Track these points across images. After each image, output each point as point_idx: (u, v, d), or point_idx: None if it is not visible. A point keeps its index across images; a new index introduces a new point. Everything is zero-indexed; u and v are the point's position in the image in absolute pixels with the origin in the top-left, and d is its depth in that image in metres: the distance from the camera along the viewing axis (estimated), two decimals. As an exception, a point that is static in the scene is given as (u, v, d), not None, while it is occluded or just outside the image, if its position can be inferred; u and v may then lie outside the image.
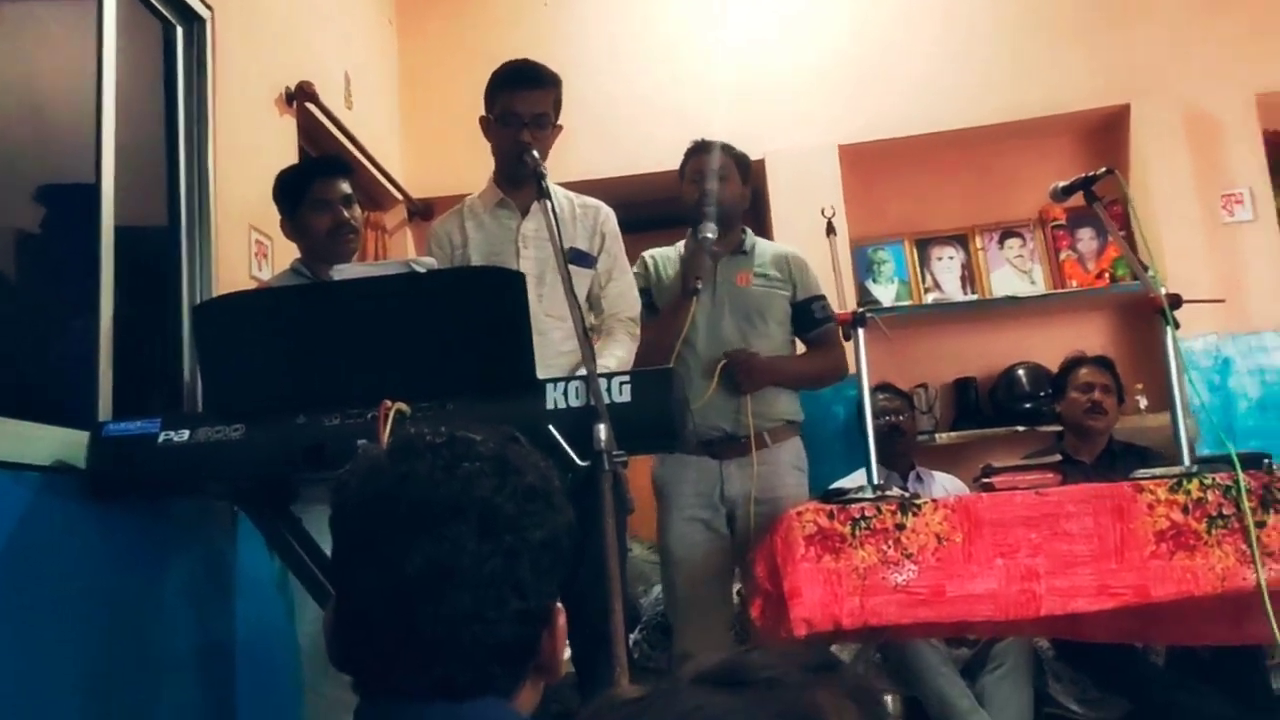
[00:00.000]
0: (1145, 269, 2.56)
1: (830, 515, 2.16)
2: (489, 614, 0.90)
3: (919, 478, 3.45)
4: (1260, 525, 2.06)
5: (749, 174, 2.89)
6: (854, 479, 2.96)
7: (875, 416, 2.75)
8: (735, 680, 0.71)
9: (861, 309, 2.53)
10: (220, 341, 1.91)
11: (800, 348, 2.93)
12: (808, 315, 2.85)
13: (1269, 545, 2.05)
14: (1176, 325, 2.34)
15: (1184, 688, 2.83)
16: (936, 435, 3.87)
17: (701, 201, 2.75)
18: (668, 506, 2.74)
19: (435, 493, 0.92)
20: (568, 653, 2.59)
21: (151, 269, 2.55)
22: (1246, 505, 2.06)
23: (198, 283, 2.59)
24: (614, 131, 3.98)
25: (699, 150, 2.84)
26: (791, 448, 2.79)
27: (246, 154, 2.81)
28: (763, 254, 2.88)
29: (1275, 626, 1.95)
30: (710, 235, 2.68)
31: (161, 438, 1.87)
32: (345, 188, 2.43)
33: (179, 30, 2.70)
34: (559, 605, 0.97)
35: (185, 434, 1.87)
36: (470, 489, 0.92)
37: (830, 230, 2.74)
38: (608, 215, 2.65)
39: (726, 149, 2.84)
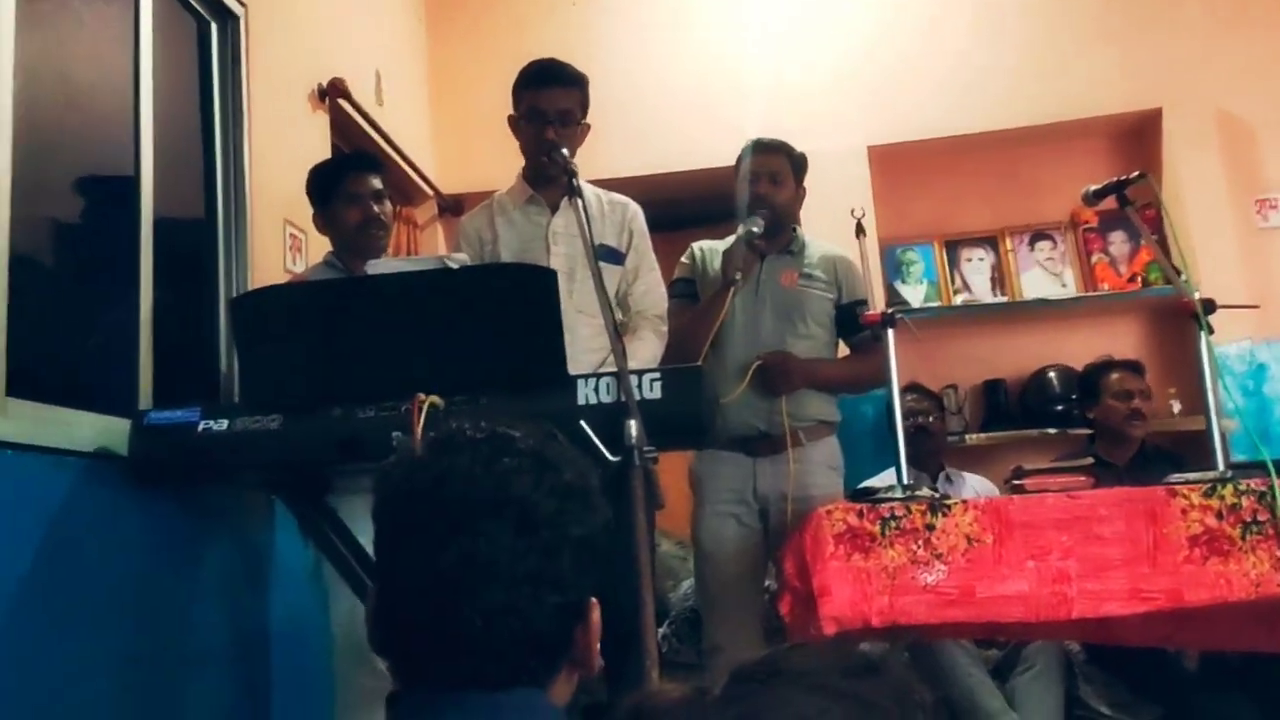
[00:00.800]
0: (1178, 273, 2.54)
1: (860, 514, 2.16)
2: (525, 608, 0.91)
3: (949, 478, 3.44)
4: (1295, 531, 2.04)
5: (803, 175, 2.86)
6: (883, 478, 2.95)
7: (904, 417, 2.73)
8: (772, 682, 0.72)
9: (890, 309, 2.52)
10: (257, 334, 1.93)
11: (843, 350, 2.90)
12: (852, 318, 2.80)
13: (1304, 551, 2.03)
14: (1210, 330, 2.32)
15: (1216, 693, 2.81)
16: (966, 436, 3.85)
17: (753, 204, 2.71)
18: (701, 500, 2.74)
19: (474, 489, 0.93)
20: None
21: (189, 261, 2.58)
22: (1282, 511, 2.04)
23: (234, 275, 2.62)
24: (643, 129, 3.98)
25: (755, 150, 2.80)
26: (826, 447, 2.76)
27: (280, 149, 2.84)
28: (811, 255, 2.85)
29: (1310, 632, 1.93)
30: (755, 229, 2.65)
31: (201, 426, 1.90)
32: (376, 183, 2.45)
33: (213, 26, 2.73)
34: (594, 601, 0.98)
35: (224, 423, 1.89)
36: (509, 485, 0.93)
37: (860, 231, 2.73)
38: (635, 212, 2.66)
39: (782, 150, 2.81)
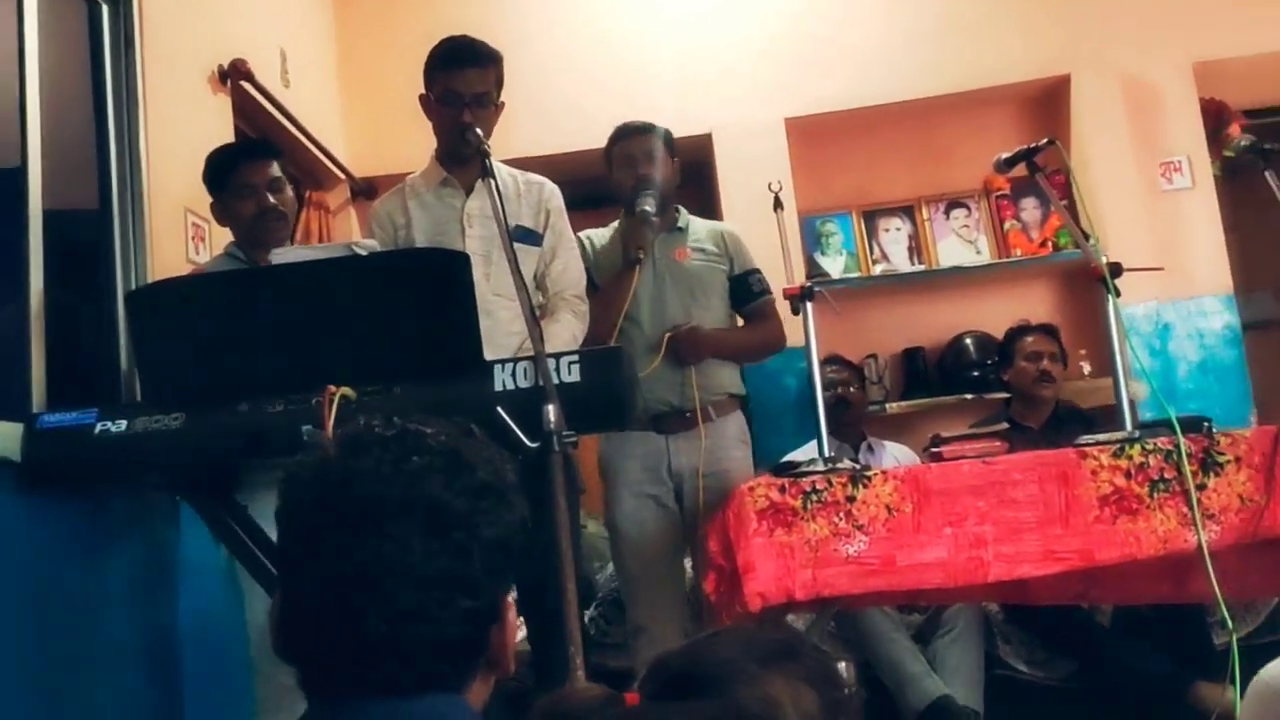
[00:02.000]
0: (1086, 237, 2.60)
1: (782, 489, 2.18)
2: (435, 613, 0.89)
3: (870, 448, 3.49)
4: (1200, 488, 2.11)
5: (675, 151, 2.90)
6: (805, 451, 2.98)
7: (825, 388, 2.77)
8: (694, 684, 0.71)
9: (808, 282, 2.53)
10: (156, 329, 1.87)
11: (738, 321, 2.94)
12: (745, 288, 2.88)
13: (1209, 507, 2.10)
14: (1118, 293, 2.38)
15: (1128, 646, 2.91)
16: (887, 405, 3.91)
17: (638, 186, 2.75)
18: (614, 483, 2.74)
19: (383, 488, 0.90)
20: (523, 632, 2.59)
21: (83, 255, 2.48)
22: (1187, 469, 2.11)
23: (132, 268, 2.53)
24: (556, 108, 3.93)
25: (626, 134, 2.85)
26: (735, 421, 2.81)
27: (180, 135, 2.74)
28: (697, 230, 2.91)
29: (1215, 585, 2.00)
30: (648, 208, 2.69)
31: (99, 428, 1.83)
32: (273, 171, 2.38)
33: (104, 7, 2.61)
34: (510, 601, 0.96)
35: (123, 424, 1.83)
36: (420, 485, 0.91)
37: (778, 204, 2.74)
38: (553, 191, 2.63)
39: (653, 130, 2.85)
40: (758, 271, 2.90)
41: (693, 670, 0.81)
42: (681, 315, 2.75)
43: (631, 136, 2.83)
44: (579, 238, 2.89)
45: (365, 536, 0.88)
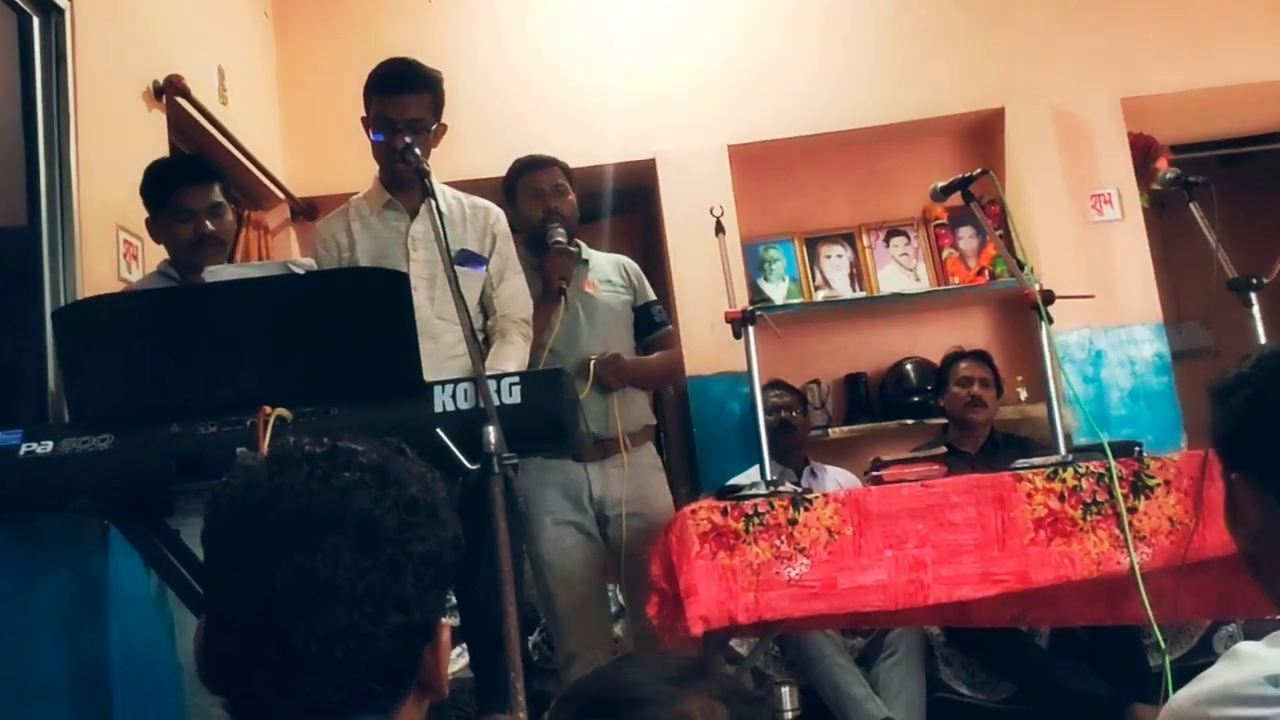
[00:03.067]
0: (1021, 266, 2.66)
1: (724, 512, 2.17)
2: (366, 629, 0.87)
3: (813, 472, 3.51)
4: (1132, 510, 2.15)
5: (574, 184, 2.94)
6: (748, 475, 2.99)
7: (767, 413, 2.79)
8: (609, 710, 0.71)
9: (750, 307, 2.55)
10: (84, 347, 1.82)
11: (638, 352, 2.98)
12: (649, 319, 2.95)
13: (1140, 529, 2.14)
14: (1050, 320, 2.42)
15: (1065, 667, 2.95)
16: (829, 430, 3.94)
17: (547, 218, 2.80)
18: (537, 513, 2.72)
19: (311, 503, 0.88)
20: (464, 661, 2.55)
21: (10, 272, 2.41)
22: (1119, 492, 2.15)
23: (61, 286, 2.45)
24: (501, 131, 3.92)
25: (533, 166, 2.89)
26: (649, 451, 2.88)
27: (112, 151, 2.68)
28: (599, 262, 2.95)
29: (1148, 607, 2.03)
30: (560, 239, 2.75)
31: (23, 450, 1.78)
32: (214, 196, 2.35)
33: (35, 20, 2.55)
34: (444, 621, 0.94)
35: (49, 445, 1.78)
36: (348, 500, 0.89)
37: (720, 229, 2.76)
38: (499, 216, 2.64)
39: (557, 163, 2.90)
40: (658, 302, 2.99)
41: (606, 696, 0.81)
42: (598, 345, 2.79)
43: (539, 169, 2.87)
44: None
45: (294, 553, 0.86)
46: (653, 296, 2.98)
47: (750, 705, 0.78)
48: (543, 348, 2.69)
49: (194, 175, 2.39)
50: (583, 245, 2.93)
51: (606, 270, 2.93)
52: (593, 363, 2.72)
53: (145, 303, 2.00)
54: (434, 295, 2.42)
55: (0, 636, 1.98)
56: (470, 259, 2.52)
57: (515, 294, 2.59)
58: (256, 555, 0.87)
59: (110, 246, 2.62)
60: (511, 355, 2.46)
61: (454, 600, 2.64)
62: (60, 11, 2.58)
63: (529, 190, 2.86)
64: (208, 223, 2.30)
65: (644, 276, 3.00)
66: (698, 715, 0.73)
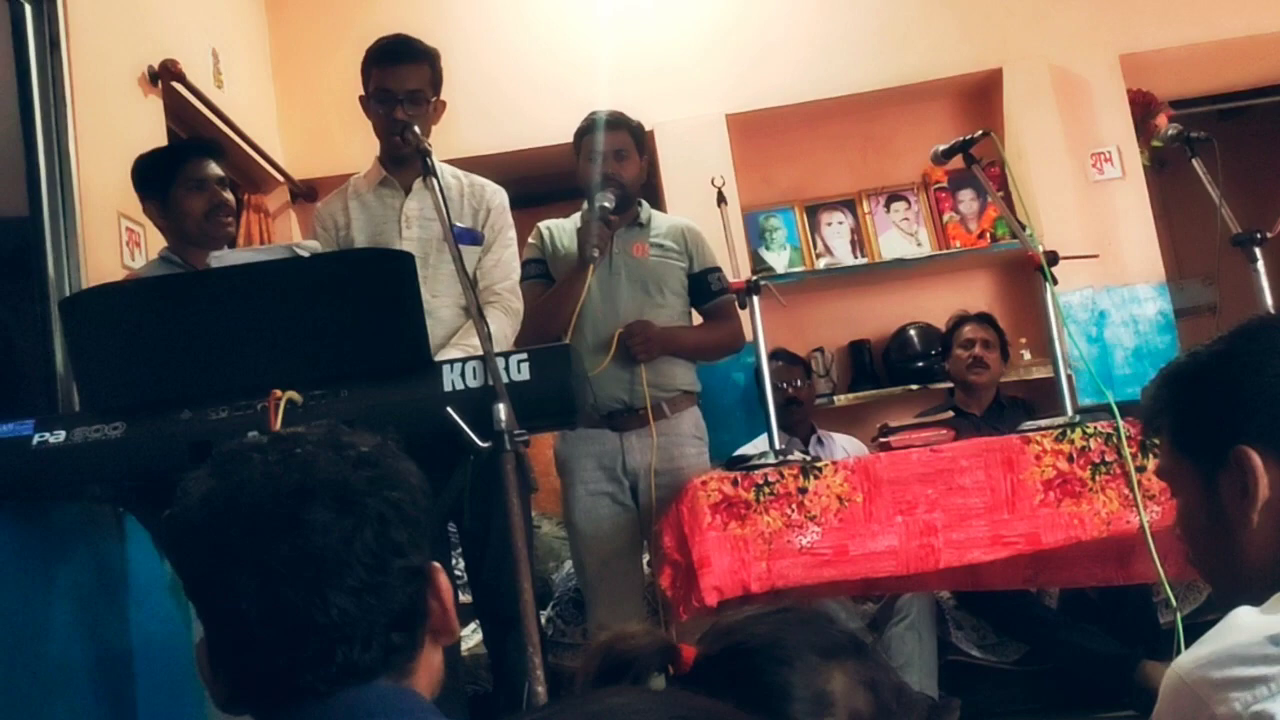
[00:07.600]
0: (1023, 228, 2.65)
1: (734, 483, 2.19)
2: (378, 580, 0.89)
3: (820, 441, 3.52)
4: (1140, 470, 2.16)
5: (645, 146, 2.87)
6: (756, 445, 3.00)
7: (773, 383, 2.78)
8: (750, 660, 0.70)
9: (755, 276, 2.54)
10: (93, 336, 1.82)
11: (697, 319, 2.93)
12: (704, 287, 2.85)
13: (1149, 488, 2.15)
14: (1054, 281, 2.42)
15: (1077, 628, 2.97)
16: (835, 398, 3.95)
17: (601, 182, 2.71)
18: (571, 482, 2.73)
19: (280, 484, 0.89)
20: (478, 638, 2.56)
21: (13, 262, 2.41)
22: (1127, 451, 2.16)
23: (65, 275, 2.45)
24: (496, 107, 3.91)
25: (598, 127, 2.78)
26: (690, 418, 2.79)
27: (111, 137, 2.67)
28: (659, 226, 2.87)
29: (1158, 565, 2.05)
30: (607, 204, 2.65)
31: (36, 440, 1.78)
32: (218, 169, 2.34)
33: (28, 8, 2.53)
34: (436, 565, 0.96)
35: (61, 435, 1.78)
36: (313, 470, 0.91)
37: (721, 199, 2.75)
38: (495, 191, 2.63)
39: (625, 124, 2.80)
40: (718, 270, 2.86)
41: (753, 644, 0.80)
42: (635, 312, 2.72)
43: (603, 130, 2.77)
44: (539, 227, 2.86)
45: (283, 533, 0.87)
46: (713, 263, 2.86)
47: (898, 700, 0.76)
48: (575, 315, 2.65)
49: (200, 150, 2.39)
50: (644, 207, 2.87)
51: (663, 234, 2.84)
52: (618, 333, 2.67)
53: (152, 290, 1.99)
54: (425, 274, 2.41)
55: (23, 626, 1.99)
56: (464, 234, 2.49)
57: (498, 263, 2.55)
58: (246, 549, 0.88)
59: (113, 234, 2.62)
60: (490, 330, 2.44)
61: (465, 577, 2.66)
62: (53, -1, 2.56)
63: (586, 152, 2.77)
64: (220, 191, 2.30)
65: (704, 242, 2.88)
66: (837, 695, 0.72)
